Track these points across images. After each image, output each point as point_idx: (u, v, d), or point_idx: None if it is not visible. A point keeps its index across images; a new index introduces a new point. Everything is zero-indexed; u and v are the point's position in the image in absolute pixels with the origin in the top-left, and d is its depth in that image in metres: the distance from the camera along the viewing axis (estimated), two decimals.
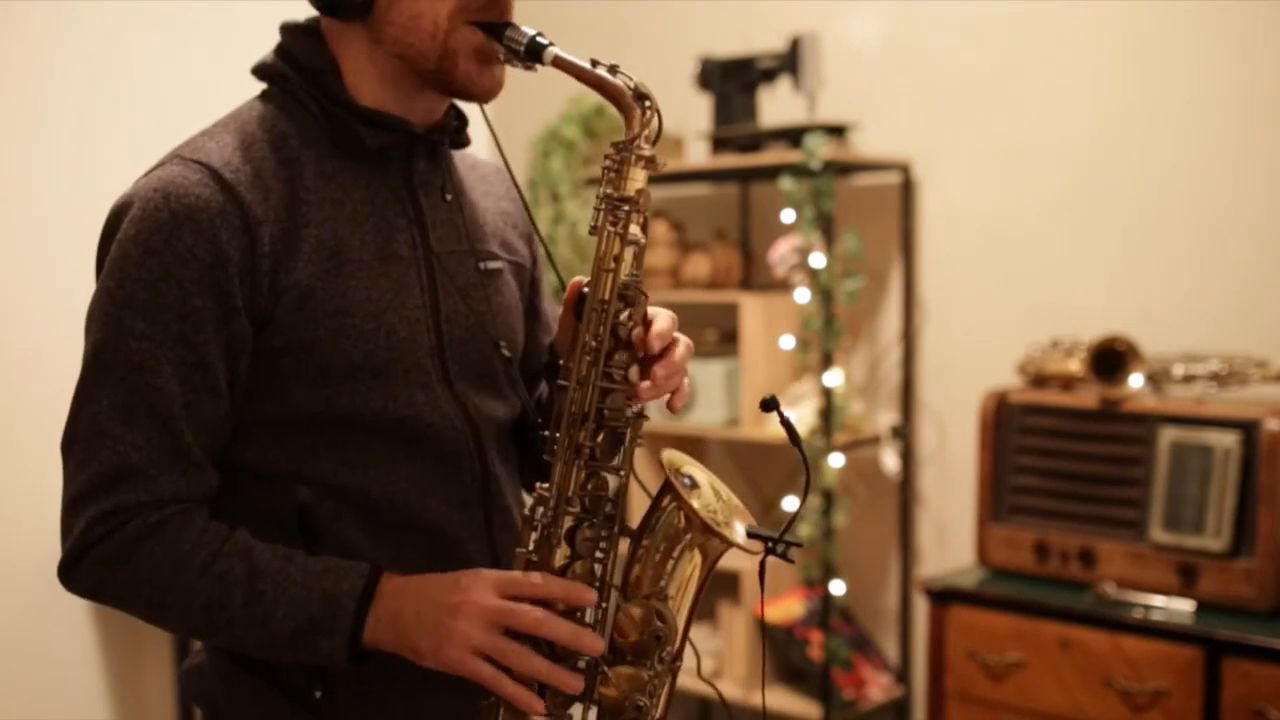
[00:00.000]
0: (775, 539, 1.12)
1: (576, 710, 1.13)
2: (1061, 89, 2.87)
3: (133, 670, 2.98)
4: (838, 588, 2.90)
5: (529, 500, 1.17)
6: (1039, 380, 2.69)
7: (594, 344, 1.13)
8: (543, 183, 3.54)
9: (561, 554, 1.12)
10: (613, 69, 1.14)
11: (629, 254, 1.14)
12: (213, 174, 1.13)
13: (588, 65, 1.14)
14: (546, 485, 1.13)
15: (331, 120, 1.20)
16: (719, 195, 3.47)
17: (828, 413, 2.86)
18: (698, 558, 1.13)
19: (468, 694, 1.22)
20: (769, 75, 3.08)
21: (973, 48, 2.99)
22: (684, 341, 1.18)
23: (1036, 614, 2.45)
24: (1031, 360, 2.70)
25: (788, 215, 2.91)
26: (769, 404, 1.13)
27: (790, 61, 3.02)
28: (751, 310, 3.04)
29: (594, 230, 1.14)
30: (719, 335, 3.25)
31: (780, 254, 2.93)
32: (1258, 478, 2.28)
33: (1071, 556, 2.50)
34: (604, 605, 1.13)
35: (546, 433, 1.15)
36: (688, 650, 1.16)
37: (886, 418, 3.12)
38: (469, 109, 1.31)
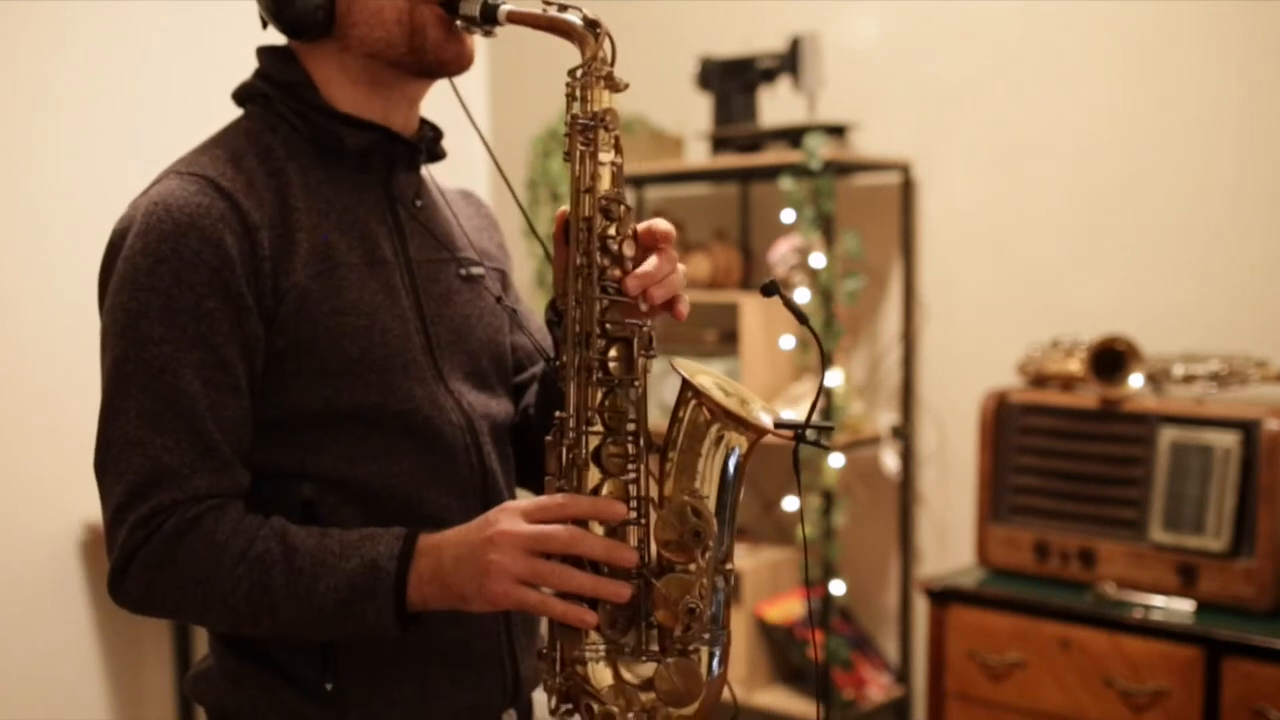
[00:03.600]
0: (804, 425, 1.11)
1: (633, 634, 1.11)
2: (1062, 89, 2.87)
3: (133, 670, 2.99)
4: (838, 588, 2.90)
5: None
6: (1039, 380, 2.69)
7: (584, 261, 1.13)
8: (543, 182, 3.54)
9: (592, 476, 1.12)
10: (562, 7, 1.16)
11: (605, 173, 1.14)
12: (210, 183, 1.16)
13: (539, 11, 1.16)
14: (563, 411, 1.13)
15: (312, 127, 1.23)
16: (719, 195, 3.47)
17: (828, 413, 2.86)
18: (729, 452, 1.11)
19: (478, 682, 1.24)
20: (769, 75, 3.08)
21: (973, 48, 2.99)
22: (668, 253, 1.17)
23: (1036, 614, 2.45)
24: (1031, 360, 2.70)
25: (788, 215, 2.91)
26: (769, 288, 1.12)
27: (790, 61, 3.02)
28: (751, 310, 3.04)
29: (567, 156, 1.15)
30: (719, 335, 3.25)
31: (780, 254, 2.93)
32: (1258, 478, 2.28)
33: (1071, 556, 2.50)
34: (642, 521, 1.12)
35: (557, 362, 1.15)
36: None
37: (886, 418, 3.12)
38: (443, 116, 1.33)
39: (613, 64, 1.16)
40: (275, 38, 1.27)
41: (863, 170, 3.09)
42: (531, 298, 3.52)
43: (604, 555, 1.09)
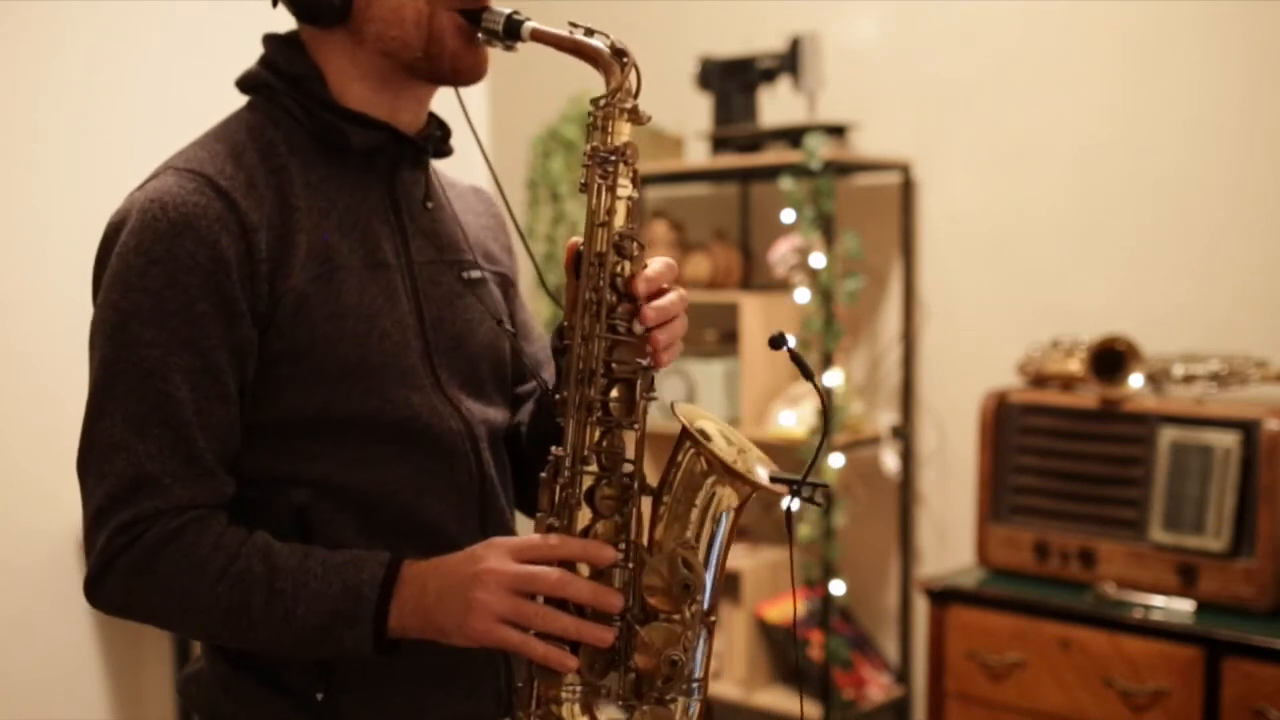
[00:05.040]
0: (799, 481, 1.10)
1: (613, 678, 1.11)
2: (1062, 89, 2.87)
3: (133, 670, 2.98)
4: (838, 588, 2.90)
5: (529, 505, 1.17)
6: (1039, 380, 2.68)
7: (594, 298, 1.12)
8: (543, 182, 3.54)
9: (583, 515, 1.11)
10: (589, 31, 1.15)
11: (621, 207, 1.13)
12: (208, 181, 1.13)
13: (565, 33, 1.14)
14: (560, 448, 1.11)
15: (317, 123, 1.20)
16: (719, 195, 3.47)
17: (828, 415, 2.86)
18: (722, 506, 1.11)
19: (471, 693, 1.22)
20: (769, 75, 3.08)
21: (973, 48, 2.99)
22: (677, 290, 1.16)
23: (1036, 614, 2.45)
24: (1031, 360, 2.70)
25: (788, 215, 2.91)
26: (777, 340, 1.11)
27: (790, 61, 3.02)
28: (751, 310, 3.04)
29: (583, 188, 1.13)
30: (719, 335, 3.25)
31: (780, 254, 2.93)
32: (1258, 478, 2.28)
33: (1071, 556, 2.50)
34: (630, 565, 1.11)
35: (557, 396, 1.14)
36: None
37: (886, 418, 3.12)
38: (446, 113, 1.31)
39: (637, 95, 1.14)
40: (281, 21, 1.25)
41: (863, 170, 3.09)
42: (530, 300, 3.52)
43: (590, 600, 1.08)
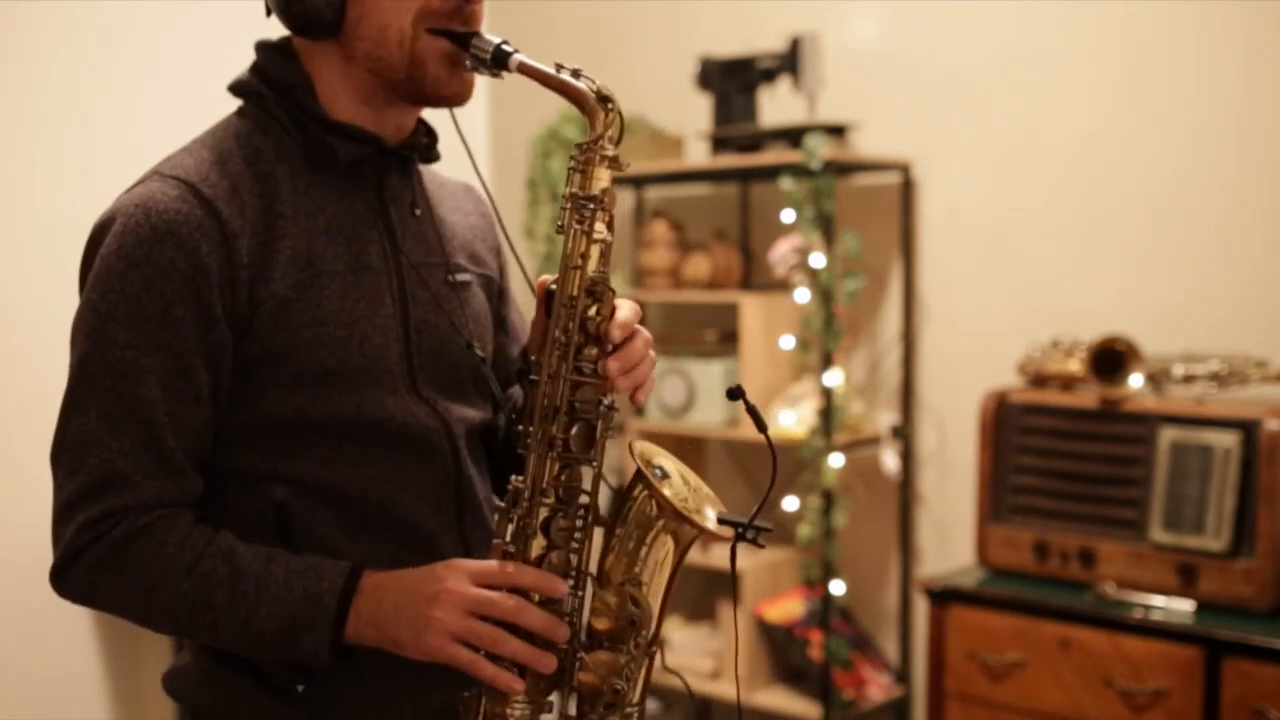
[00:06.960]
0: (745, 524, 1.15)
1: (556, 697, 1.16)
2: (1061, 89, 2.87)
3: (132, 670, 2.99)
4: (838, 588, 2.90)
5: (501, 503, 1.20)
6: (1039, 380, 2.69)
7: (563, 339, 1.16)
8: (543, 182, 3.53)
9: (538, 545, 1.15)
10: (575, 73, 1.17)
11: (595, 251, 1.17)
12: (191, 189, 1.16)
13: (552, 70, 1.17)
14: (520, 478, 1.16)
15: (305, 134, 1.22)
16: (719, 195, 3.47)
17: (828, 413, 2.86)
18: (670, 544, 1.16)
19: (448, 685, 1.23)
20: (769, 75, 3.08)
21: (972, 48, 2.99)
22: (643, 334, 1.20)
23: (1036, 614, 2.45)
24: (1031, 360, 2.70)
25: (788, 215, 2.91)
26: (734, 393, 1.16)
27: (790, 61, 3.02)
28: (751, 310, 3.04)
29: (560, 230, 1.17)
30: (719, 335, 3.25)
31: (780, 254, 2.93)
32: (1258, 478, 2.28)
33: (1071, 556, 2.50)
34: (580, 594, 1.16)
35: (520, 427, 1.18)
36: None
37: (886, 418, 3.12)
38: (440, 120, 1.33)
39: (619, 143, 1.17)
40: (275, 29, 1.26)
41: (863, 170, 3.09)
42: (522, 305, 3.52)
43: (542, 628, 1.12)
